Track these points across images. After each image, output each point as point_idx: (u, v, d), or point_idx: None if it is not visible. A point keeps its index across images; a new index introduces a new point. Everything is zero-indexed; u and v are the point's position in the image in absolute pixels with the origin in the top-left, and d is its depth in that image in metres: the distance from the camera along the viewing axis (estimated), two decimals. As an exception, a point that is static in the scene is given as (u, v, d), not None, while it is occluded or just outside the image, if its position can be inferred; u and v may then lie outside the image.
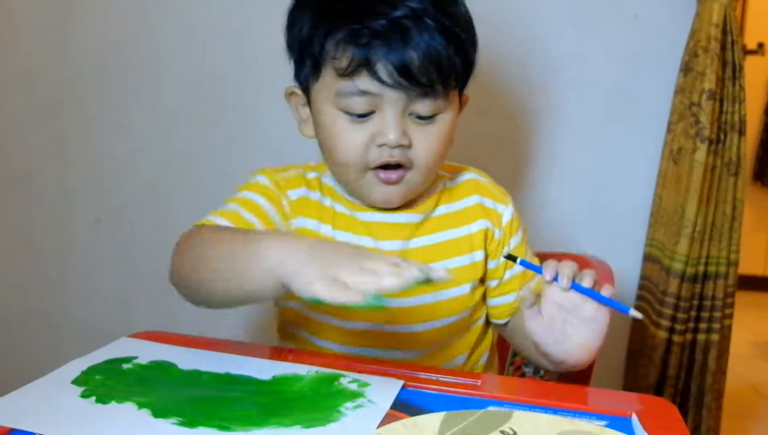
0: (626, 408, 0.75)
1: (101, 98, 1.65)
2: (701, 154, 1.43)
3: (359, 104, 0.82)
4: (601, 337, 0.81)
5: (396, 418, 0.68)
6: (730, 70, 1.44)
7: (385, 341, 0.94)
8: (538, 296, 0.82)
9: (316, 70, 0.84)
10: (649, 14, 1.49)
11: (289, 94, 0.92)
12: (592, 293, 0.79)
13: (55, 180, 1.70)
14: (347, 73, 0.80)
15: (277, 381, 0.79)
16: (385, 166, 0.85)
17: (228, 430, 0.66)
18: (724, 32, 1.42)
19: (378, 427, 0.67)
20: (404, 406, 0.73)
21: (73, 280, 1.73)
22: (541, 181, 1.54)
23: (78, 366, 0.79)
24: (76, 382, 0.75)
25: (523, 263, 0.85)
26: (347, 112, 0.83)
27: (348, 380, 0.79)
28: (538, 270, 0.81)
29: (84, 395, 0.72)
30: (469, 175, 0.99)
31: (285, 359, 0.84)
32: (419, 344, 0.94)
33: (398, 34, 0.78)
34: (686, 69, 1.45)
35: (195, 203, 1.66)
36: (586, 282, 0.79)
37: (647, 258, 1.54)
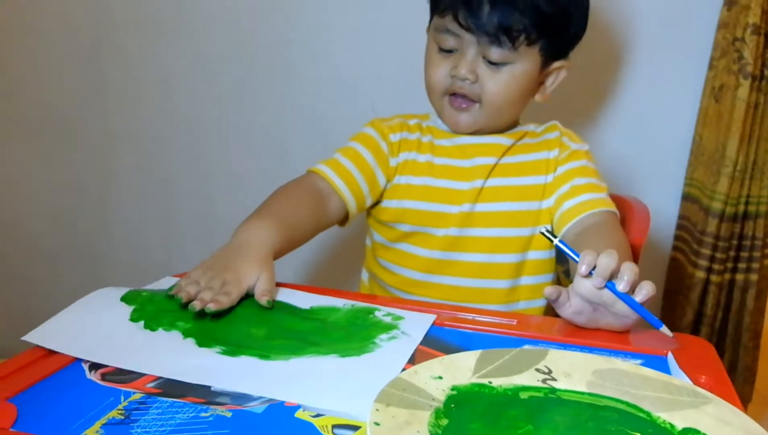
0: (662, 347, 0.76)
1: (139, 43, 1.65)
2: (744, 90, 1.39)
3: (446, 40, 1.03)
4: (631, 326, 0.80)
5: (434, 356, 0.69)
6: (777, 3, 1.39)
7: (465, 270, 1.08)
8: (562, 290, 0.79)
9: (432, 13, 1.07)
10: (692, -54, 1.44)
11: (427, 30, 1.10)
12: (626, 299, 0.75)
13: (97, 126, 1.72)
14: (441, 13, 1.02)
15: (314, 311, 0.82)
16: (457, 95, 1.05)
17: (268, 358, 0.70)
18: (771, -37, 1.37)
19: (411, 358, 0.69)
20: (442, 345, 0.75)
21: (116, 222, 1.77)
22: (579, 118, 1.52)
23: (119, 290, 0.83)
24: (125, 300, 0.80)
25: (559, 245, 0.80)
26: (439, 46, 1.04)
27: (383, 313, 0.82)
28: (575, 256, 0.78)
29: (133, 318, 0.75)
30: (554, 121, 1.15)
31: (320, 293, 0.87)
32: (505, 274, 1.08)
33: None
34: (730, 3, 1.40)
35: (231, 146, 1.68)
36: (622, 286, 0.75)
37: (686, 197, 1.52)
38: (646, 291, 0.75)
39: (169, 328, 0.75)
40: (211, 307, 0.76)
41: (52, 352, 0.69)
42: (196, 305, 0.76)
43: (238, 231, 0.91)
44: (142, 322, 0.75)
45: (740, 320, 1.51)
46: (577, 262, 0.77)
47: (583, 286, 0.77)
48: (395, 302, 0.88)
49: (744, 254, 1.48)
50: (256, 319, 0.79)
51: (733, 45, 1.40)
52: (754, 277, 1.48)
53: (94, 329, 0.73)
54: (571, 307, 0.79)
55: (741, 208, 1.45)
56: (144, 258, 1.76)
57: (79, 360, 0.68)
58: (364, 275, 1.21)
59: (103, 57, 1.67)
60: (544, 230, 0.82)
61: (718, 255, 1.46)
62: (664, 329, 0.76)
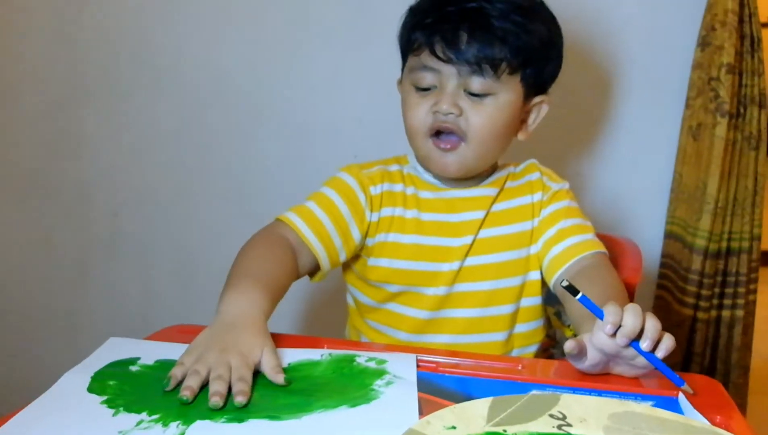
0: (671, 387, 0.75)
1: (113, 93, 1.63)
2: (722, 128, 1.41)
3: (423, 78, 0.99)
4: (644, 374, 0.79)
5: (441, 405, 0.67)
6: (749, 43, 1.42)
7: (459, 326, 1.04)
8: (581, 344, 0.76)
9: (404, 59, 1.05)
10: (664, -11, 1.47)
11: (398, 83, 1.07)
12: (649, 357, 0.74)
13: (71, 176, 1.69)
14: (416, 51, 0.99)
15: (294, 368, 0.78)
16: (441, 134, 1.00)
17: (279, 419, 0.66)
18: (741, 5, 1.40)
19: (419, 408, 0.67)
20: (447, 393, 0.73)
21: (92, 274, 1.73)
22: (558, 161, 1.52)
23: (82, 374, 0.75)
24: (92, 390, 0.72)
25: (582, 300, 0.77)
26: (416, 87, 1.00)
27: (364, 359, 0.80)
28: (599, 314, 0.75)
29: (111, 405, 0.68)
30: (532, 160, 1.12)
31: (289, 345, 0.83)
32: (501, 326, 1.05)
33: (455, 21, 0.96)
34: (704, 43, 1.43)
35: (210, 194, 1.65)
36: (646, 344, 0.73)
37: (669, 235, 1.52)
38: (666, 346, 0.74)
39: (155, 411, 0.68)
40: (242, 399, 0.68)
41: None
42: (219, 402, 0.67)
43: (224, 304, 0.83)
44: (121, 407, 0.68)
45: (728, 357, 1.50)
46: (600, 317, 0.75)
47: (604, 342, 0.75)
48: (372, 347, 0.86)
49: (729, 290, 1.48)
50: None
51: (709, 84, 1.43)
52: (740, 313, 1.48)
53: (73, 424, 0.66)
54: (588, 360, 0.77)
55: (724, 244, 1.46)
56: (121, 312, 1.72)
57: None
58: (347, 333, 1.17)
59: (76, 108, 1.65)
60: (566, 284, 0.78)
61: (704, 292, 1.46)
62: (686, 387, 0.74)
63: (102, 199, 1.69)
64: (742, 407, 1.53)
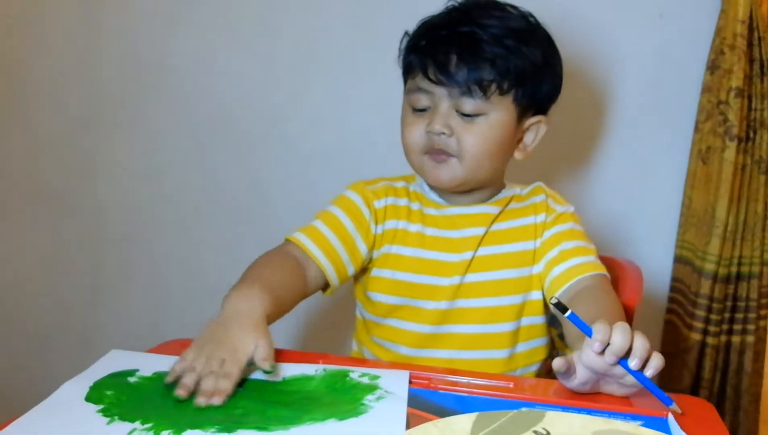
0: (662, 408, 0.75)
1: (128, 115, 1.67)
2: (731, 152, 1.40)
3: (418, 99, 1.03)
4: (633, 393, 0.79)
5: (429, 420, 0.68)
6: (758, 67, 1.42)
7: (460, 342, 1.05)
8: (571, 362, 0.77)
9: (405, 81, 1.08)
10: (674, 13, 1.47)
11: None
12: (637, 376, 0.74)
13: (85, 197, 1.72)
14: (411, 73, 1.04)
15: (288, 382, 0.80)
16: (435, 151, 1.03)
17: (267, 430, 0.67)
18: (750, 29, 1.40)
19: (406, 422, 0.68)
20: (438, 409, 0.73)
21: (104, 294, 1.75)
22: (568, 185, 1.53)
23: (81, 383, 0.78)
24: (90, 399, 0.74)
25: (571, 317, 0.77)
26: (413, 108, 1.04)
27: (358, 374, 0.81)
28: (588, 332, 0.75)
29: (106, 414, 0.71)
30: (538, 183, 1.14)
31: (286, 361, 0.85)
32: (502, 343, 1.06)
33: (447, 44, 1.00)
34: (713, 67, 1.43)
35: (222, 216, 1.67)
36: (635, 363, 0.74)
37: (678, 259, 1.52)
38: (654, 365, 0.74)
39: (148, 420, 0.70)
40: (215, 401, 0.72)
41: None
42: (201, 403, 0.72)
43: (226, 301, 0.87)
44: (116, 416, 0.70)
45: (739, 383, 1.48)
46: (588, 335, 0.75)
47: (593, 360, 0.75)
48: (366, 363, 0.87)
49: (739, 316, 1.47)
50: (236, 396, 0.76)
51: (718, 108, 1.42)
52: (750, 338, 1.47)
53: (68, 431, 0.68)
54: (577, 378, 0.77)
55: (734, 269, 1.45)
56: (134, 328, 1.74)
57: None
58: (354, 346, 1.18)
59: (92, 130, 1.69)
60: (555, 302, 0.78)
61: (713, 317, 1.45)
62: (674, 407, 0.74)
63: (115, 220, 1.72)
64: (754, 433, 1.51)
